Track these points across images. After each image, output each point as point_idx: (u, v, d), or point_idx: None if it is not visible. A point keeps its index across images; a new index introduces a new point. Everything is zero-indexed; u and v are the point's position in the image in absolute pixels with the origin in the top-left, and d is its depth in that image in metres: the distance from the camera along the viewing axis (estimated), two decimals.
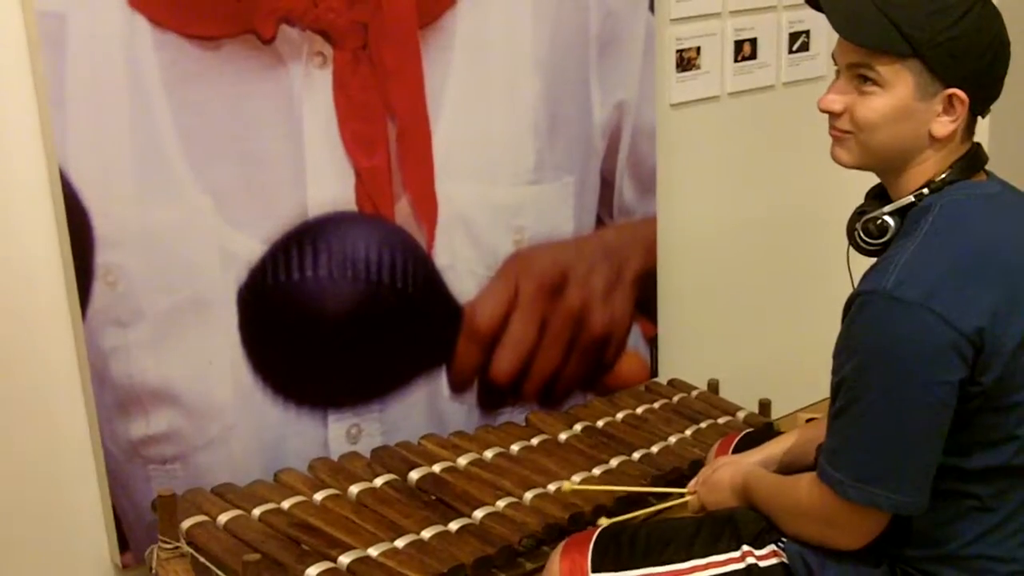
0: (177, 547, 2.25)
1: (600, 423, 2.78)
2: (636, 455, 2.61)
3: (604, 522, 2.21)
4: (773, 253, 3.40)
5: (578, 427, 2.74)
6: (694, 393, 2.99)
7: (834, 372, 1.80)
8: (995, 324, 1.69)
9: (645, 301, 3.05)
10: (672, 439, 2.70)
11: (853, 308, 1.76)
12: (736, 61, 3.16)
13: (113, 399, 2.30)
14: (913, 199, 1.81)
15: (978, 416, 1.73)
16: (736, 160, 3.26)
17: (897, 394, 1.71)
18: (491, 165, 2.69)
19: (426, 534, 2.24)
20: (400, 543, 2.20)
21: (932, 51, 1.72)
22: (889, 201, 1.86)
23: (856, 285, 1.80)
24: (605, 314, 2.95)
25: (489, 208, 2.71)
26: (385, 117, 2.49)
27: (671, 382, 3.07)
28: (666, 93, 3.03)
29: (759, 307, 3.41)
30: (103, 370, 2.27)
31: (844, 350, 1.77)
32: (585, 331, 2.91)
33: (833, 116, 1.83)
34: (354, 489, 2.39)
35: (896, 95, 1.75)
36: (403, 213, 2.56)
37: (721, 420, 2.82)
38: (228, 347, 2.40)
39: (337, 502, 2.36)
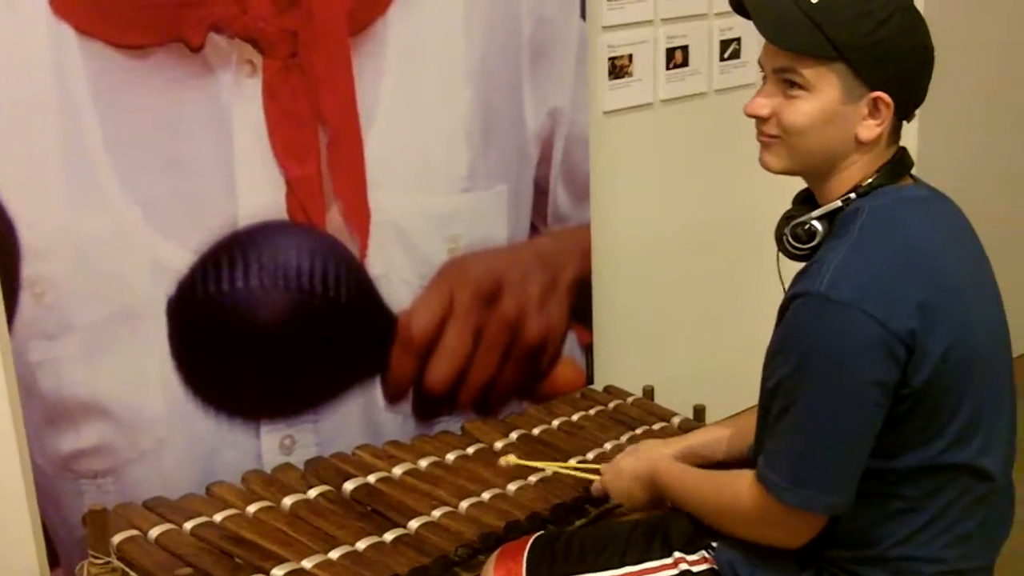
0: (108, 562, 2.22)
1: (536, 431, 2.77)
2: (572, 462, 2.60)
3: (511, 461, 2.27)
4: (707, 259, 3.41)
5: (514, 435, 2.73)
6: (630, 400, 2.98)
7: (770, 375, 1.80)
8: (925, 325, 1.70)
9: (580, 308, 3.05)
10: (608, 446, 2.69)
11: (788, 311, 1.76)
12: (668, 68, 3.17)
13: (42, 413, 2.27)
14: (841, 203, 1.82)
15: (907, 419, 1.74)
16: (669, 167, 3.27)
17: (833, 395, 1.71)
18: (424, 173, 2.69)
19: (361, 545, 2.22)
20: (335, 555, 2.18)
21: (857, 54, 1.73)
22: (816, 205, 1.87)
23: (788, 288, 1.81)
24: (540, 322, 2.94)
25: (422, 216, 2.70)
26: (316, 125, 2.48)
27: (607, 389, 3.07)
28: (599, 100, 3.03)
29: (693, 313, 3.42)
30: (31, 384, 2.24)
31: (780, 352, 1.78)
32: (520, 339, 2.91)
33: (760, 121, 1.84)
34: (288, 501, 2.37)
35: (822, 99, 1.76)
36: (335, 222, 2.55)
37: (656, 426, 2.82)
38: (159, 359, 2.38)
39: (271, 514, 2.33)
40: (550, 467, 2.47)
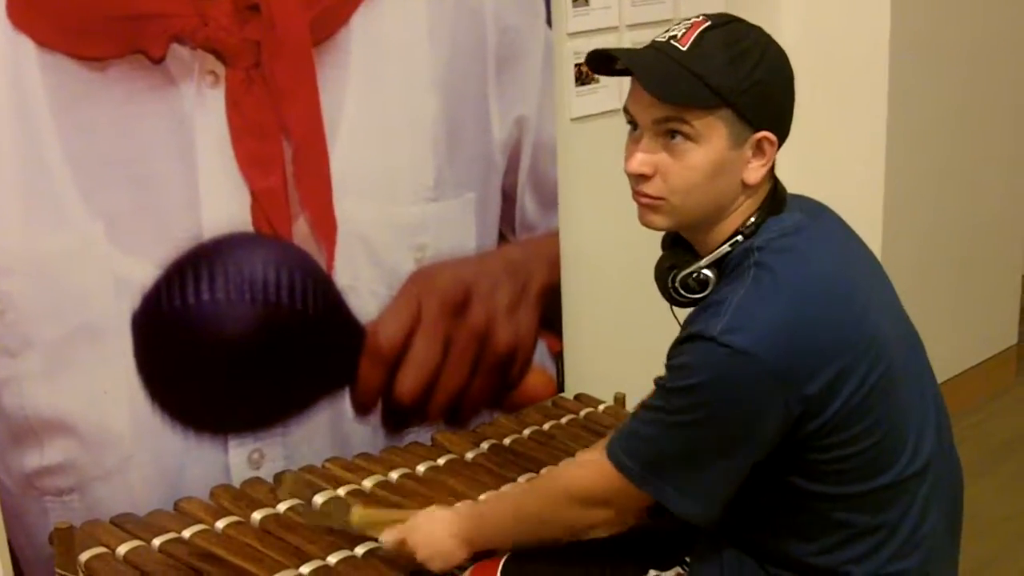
0: None
1: (507, 440, 2.76)
2: (544, 472, 2.58)
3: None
4: None
5: (485, 445, 2.72)
6: (601, 407, 2.97)
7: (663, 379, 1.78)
8: (829, 376, 1.67)
9: (550, 316, 3.04)
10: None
11: (685, 346, 1.73)
12: None
13: (5, 431, 2.23)
14: (729, 248, 1.78)
15: (821, 453, 1.72)
16: None
17: (710, 425, 1.69)
18: (390, 183, 2.67)
19: (332, 560, 2.19)
20: (305, 570, 2.16)
21: (741, 97, 1.70)
22: (688, 246, 1.85)
23: (685, 325, 1.78)
24: (510, 331, 2.93)
25: (389, 226, 2.68)
26: (280, 136, 2.46)
27: (578, 397, 3.06)
28: (566, 107, 3.02)
29: (663, 319, 3.40)
30: None
31: (671, 370, 1.75)
32: (490, 348, 2.89)
33: (640, 180, 1.77)
34: (257, 516, 2.34)
35: (711, 148, 1.71)
36: (301, 233, 2.53)
37: None
38: (124, 375, 2.35)
39: (240, 530, 2.31)
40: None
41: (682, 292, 1.82)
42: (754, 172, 1.75)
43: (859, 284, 1.79)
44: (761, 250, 1.74)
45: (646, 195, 1.77)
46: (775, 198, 1.81)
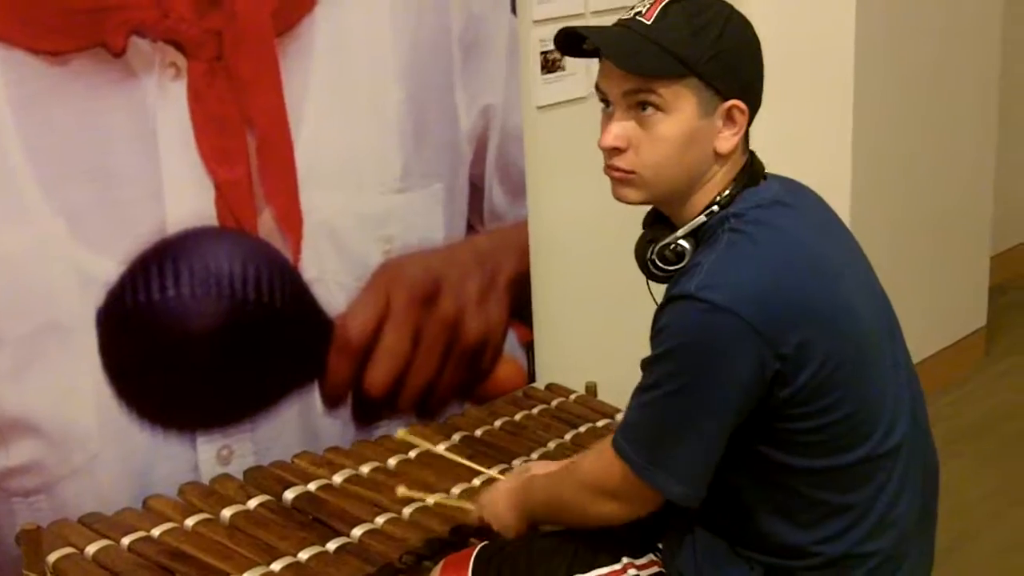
0: None
1: (478, 432, 2.74)
2: (516, 463, 2.57)
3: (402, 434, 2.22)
4: None
5: (456, 437, 2.70)
6: (572, 397, 2.96)
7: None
8: (804, 336, 1.68)
9: (520, 306, 3.03)
10: (551, 445, 2.67)
11: (664, 311, 1.74)
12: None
13: None
14: (705, 218, 1.79)
15: (797, 422, 1.73)
16: None
17: (696, 394, 1.70)
18: (356, 174, 2.65)
19: (303, 556, 2.18)
20: (277, 566, 2.14)
21: (707, 66, 1.71)
22: (668, 222, 1.86)
23: (664, 295, 1.78)
24: (480, 321, 2.91)
25: (356, 218, 2.66)
26: (244, 128, 2.43)
27: (549, 387, 3.05)
28: (532, 96, 3.01)
29: (634, 308, 3.38)
30: None
31: (653, 337, 1.76)
32: (460, 339, 2.87)
33: (613, 153, 1.79)
34: (227, 513, 2.33)
35: (681, 117, 1.73)
36: (267, 226, 2.50)
37: (600, 423, 2.80)
38: (89, 372, 2.32)
39: (209, 527, 2.29)
40: (432, 498, 2.35)
41: (659, 264, 1.83)
42: (726, 141, 1.76)
43: (834, 260, 1.80)
44: (737, 217, 1.75)
45: (618, 168, 1.79)
46: (751, 170, 1.82)
